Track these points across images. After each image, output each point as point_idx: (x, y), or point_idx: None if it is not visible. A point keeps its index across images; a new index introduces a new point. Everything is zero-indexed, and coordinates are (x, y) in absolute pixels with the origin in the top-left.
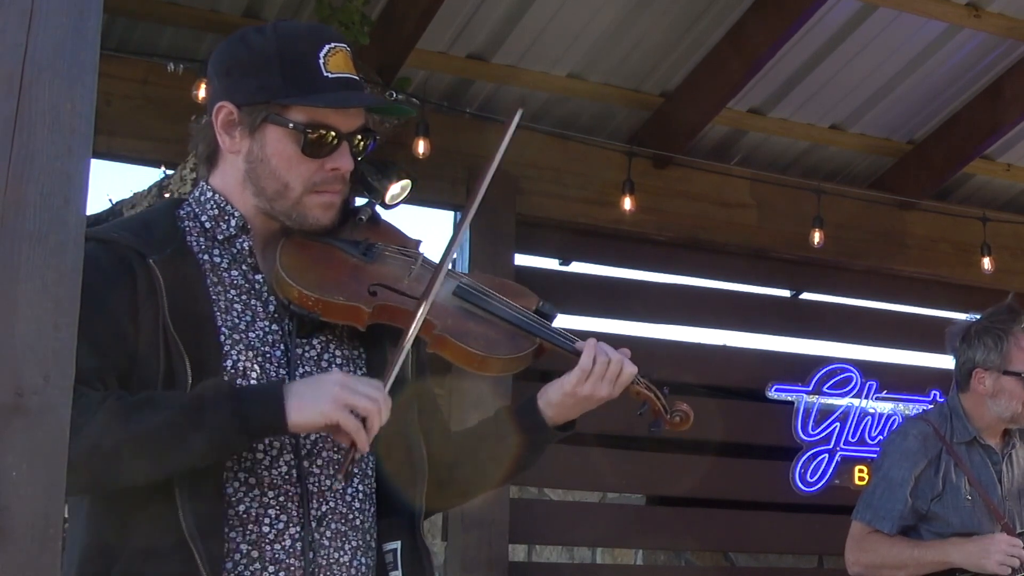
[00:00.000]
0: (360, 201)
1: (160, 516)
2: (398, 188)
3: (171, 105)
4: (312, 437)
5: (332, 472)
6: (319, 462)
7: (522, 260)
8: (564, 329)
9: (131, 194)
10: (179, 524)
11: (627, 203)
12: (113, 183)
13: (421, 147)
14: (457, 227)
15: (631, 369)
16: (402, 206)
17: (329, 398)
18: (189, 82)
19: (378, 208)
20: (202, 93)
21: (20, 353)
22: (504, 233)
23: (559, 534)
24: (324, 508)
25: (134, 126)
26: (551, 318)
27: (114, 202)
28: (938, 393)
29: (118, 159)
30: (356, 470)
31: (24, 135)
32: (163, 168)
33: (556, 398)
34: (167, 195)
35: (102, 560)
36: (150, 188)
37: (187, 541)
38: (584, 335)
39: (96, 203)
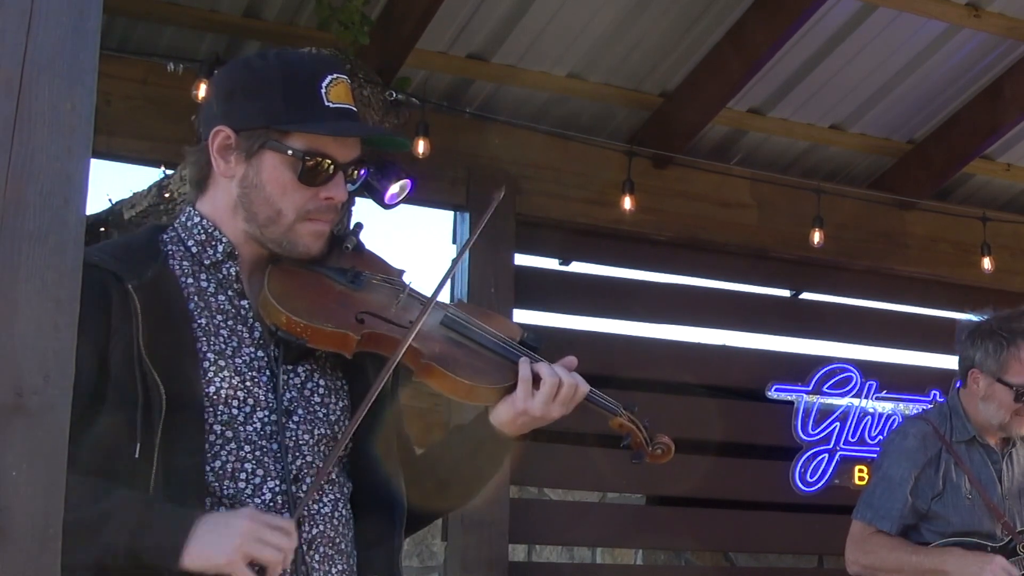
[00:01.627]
0: (361, 201)
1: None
2: (397, 188)
3: (171, 105)
4: (298, 462)
5: (318, 496)
6: (304, 487)
7: (522, 260)
8: (547, 358)
9: (131, 194)
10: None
11: (627, 203)
12: (113, 183)
13: (421, 147)
14: (452, 263)
15: (584, 389)
16: (402, 206)
17: (229, 549)
18: (189, 82)
19: (378, 211)
20: (202, 93)
21: (20, 353)
22: (504, 233)
23: (559, 534)
24: (314, 531)
25: (134, 126)
26: (536, 349)
27: (114, 202)
28: (938, 393)
29: (118, 159)
30: (339, 494)
31: (24, 135)
32: (163, 168)
33: (507, 417)
34: (167, 195)
35: None
36: (150, 188)
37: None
38: (584, 335)
39: (96, 203)
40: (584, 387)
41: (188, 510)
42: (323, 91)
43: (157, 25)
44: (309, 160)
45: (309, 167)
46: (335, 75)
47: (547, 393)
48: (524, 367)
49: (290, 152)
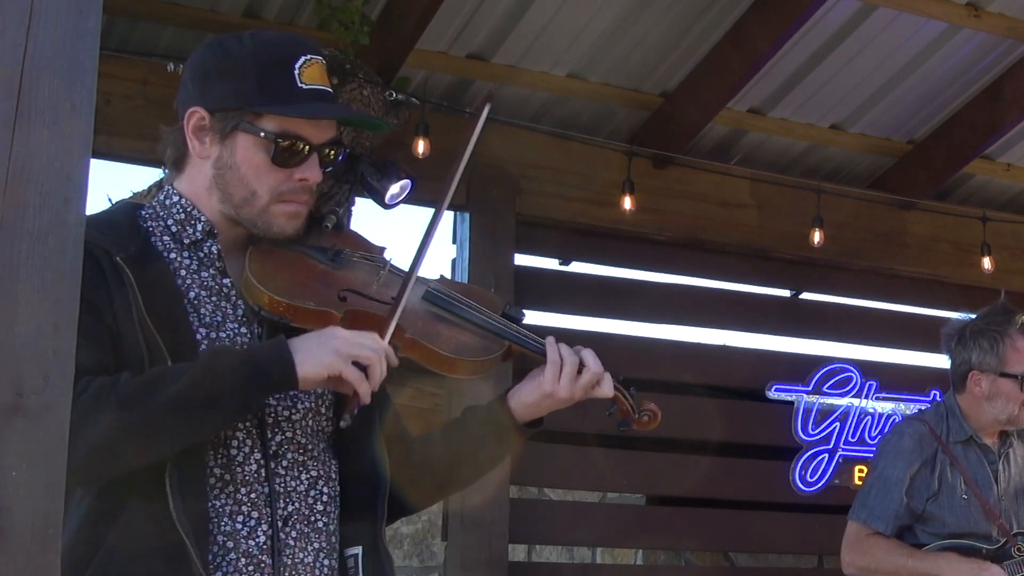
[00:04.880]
0: (361, 201)
1: (152, 513)
2: (398, 188)
3: (171, 105)
4: (278, 438)
5: (296, 473)
6: (284, 463)
7: (522, 260)
8: (530, 330)
9: (131, 194)
10: (172, 521)
11: (627, 203)
12: (113, 183)
13: (421, 147)
14: (428, 229)
15: (598, 370)
16: (402, 206)
17: (331, 350)
18: None
19: (378, 211)
20: None
21: (20, 353)
22: (504, 233)
23: (559, 534)
24: (290, 508)
25: (134, 126)
26: (518, 321)
27: (114, 202)
28: (938, 393)
29: (118, 159)
30: (321, 471)
31: (24, 135)
32: (163, 168)
33: (532, 398)
34: None
35: (85, 557)
36: (150, 188)
37: (183, 539)
38: (584, 335)
39: (96, 203)
40: (597, 367)
41: (274, 339)
42: (296, 72)
43: (157, 25)
44: (282, 142)
45: (282, 149)
46: (309, 56)
47: (570, 374)
48: (552, 349)
49: (263, 134)
